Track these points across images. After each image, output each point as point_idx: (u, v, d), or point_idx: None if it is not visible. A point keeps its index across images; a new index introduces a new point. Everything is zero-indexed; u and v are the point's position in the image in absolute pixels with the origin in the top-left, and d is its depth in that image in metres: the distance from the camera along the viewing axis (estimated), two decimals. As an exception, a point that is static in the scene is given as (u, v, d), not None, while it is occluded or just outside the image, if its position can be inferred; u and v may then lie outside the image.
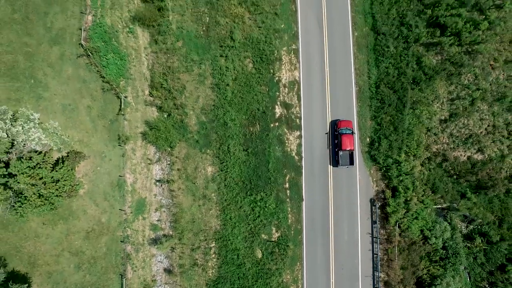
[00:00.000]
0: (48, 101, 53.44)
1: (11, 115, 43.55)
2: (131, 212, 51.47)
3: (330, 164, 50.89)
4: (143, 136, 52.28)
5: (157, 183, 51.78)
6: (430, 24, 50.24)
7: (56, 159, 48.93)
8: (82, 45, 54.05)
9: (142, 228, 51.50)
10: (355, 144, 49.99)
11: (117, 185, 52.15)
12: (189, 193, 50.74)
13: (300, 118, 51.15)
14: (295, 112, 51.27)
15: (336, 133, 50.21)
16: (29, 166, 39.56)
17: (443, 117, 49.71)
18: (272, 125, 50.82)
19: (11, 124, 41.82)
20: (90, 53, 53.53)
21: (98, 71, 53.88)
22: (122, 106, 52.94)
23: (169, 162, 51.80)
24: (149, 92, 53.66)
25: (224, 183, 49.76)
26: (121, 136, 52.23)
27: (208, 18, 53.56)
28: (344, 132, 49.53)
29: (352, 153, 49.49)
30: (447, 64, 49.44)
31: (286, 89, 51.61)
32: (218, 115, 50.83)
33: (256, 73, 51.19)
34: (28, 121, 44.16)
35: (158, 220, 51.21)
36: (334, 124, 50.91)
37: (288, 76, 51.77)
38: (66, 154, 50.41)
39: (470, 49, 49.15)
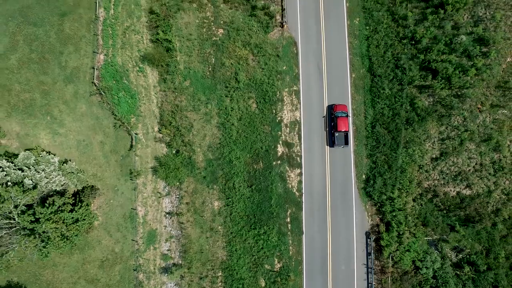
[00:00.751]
0: (64, 137, 57.89)
1: (34, 160, 47.78)
2: (143, 243, 56.04)
3: (327, 145, 55.96)
4: (153, 171, 56.60)
5: (167, 215, 56.27)
6: (422, 67, 54.54)
7: (72, 193, 53.21)
8: (94, 84, 58.15)
9: (153, 257, 56.06)
10: (349, 125, 55.39)
11: (129, 217, 56.70)
12: (197, 225, 55.26)
13: (300, 157, 55.63)
14: (296, 151, 55.71)
15: (332, 116, 55.49)
16: (52, 212, 43.87)
17: (434, 156, 54.12)
18: (274, 163, 55.31)
19: (35, 170, 46.08)
20: (102, 92, 57.66)
21: (110, 108, 58.18)
22: (133, 143, 57.16)
23: (178, 196, 56.25)
24: (159, 129, 57.98)
25: (230, 217, 54.38)
26: (133, 171, 56.67)
27: (214, 59, 57.75)
28: (340, 115, 55.02)
29: (347, 134, 54.85)
30: (438, 106, 53.82)
31: (288, 128, 55.99)
32: (224, 153, 55.26)
33: (259, 113, 55.62)
34: (49, 164, 48.46)
35: (168, 250, 55.74)
36: (331, 108, 55.73)
37: (289, 116, 56.13)
38: (81, 188, 54.75)
39: (459, 93, 53.51)
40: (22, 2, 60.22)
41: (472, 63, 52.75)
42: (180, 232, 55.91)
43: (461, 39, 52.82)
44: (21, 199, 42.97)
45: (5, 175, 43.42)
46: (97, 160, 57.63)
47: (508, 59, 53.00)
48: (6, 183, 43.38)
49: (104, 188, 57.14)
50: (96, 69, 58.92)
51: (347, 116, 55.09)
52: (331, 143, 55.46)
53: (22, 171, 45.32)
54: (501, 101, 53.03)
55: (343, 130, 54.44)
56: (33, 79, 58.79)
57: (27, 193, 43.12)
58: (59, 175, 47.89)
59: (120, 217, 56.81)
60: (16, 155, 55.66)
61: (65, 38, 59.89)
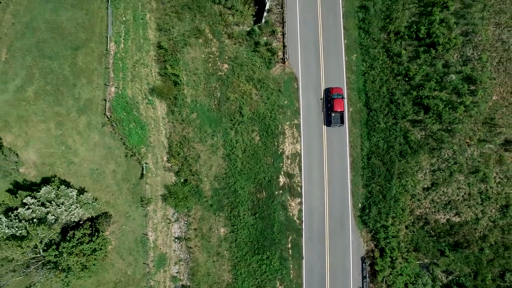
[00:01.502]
0: (78, 166, 63.11)
1: (54, 194, 52.88)
2: (154, 266, 61.46)
3: (324, 125, 61.88)
4: (163, 198, 61.78)
5: (176, 240, 61.65)
6: (415, 103, 59.66)
7: (86, 219, 58.12)
8: (106, 115, 63.11)
9: (163, 279, 61.49)
10: (345, 106, 61.33)
11: (141, 242, 62.04)
12: (204, 250, 60.65)
13: (301, 187, 60.92)
14: (296, 181, 60.95)
15: (328, 98, 61.57)
16: (73, 245, 49.08)
17: (426, 186, 59.41)
18: (276, 192, 60.59)
19: (56, 204, 51.23)
20: (114, 123, 62.64)
21: (121, 138, 63.32)
22: (144, 172, 62.26)
23: (186, 222, 61.59)
24: (167, 158, 63.12)
25: (235, 243, 59.82)
26: (144, 199, 61.93)
27: (219, 93, 62.78)
28: (336, 97, 60.99)
29: (343, 114, 60.90)
30: (429, 140, 59.06)
31: (289, 160, 61.21)
32: (229, 183, 60.52)
33: (262, 146, 60.81)
34: (68, 198, 53.58)
35: (177, 273, 61.20)
36: (328, 91, 61.64)
37: (290, 149, 61.33)
38: (95, 215, 59.82)
39: (449, 128, 58.72)
40: (38, 36, 65.14)
41: (461, 100, 57.79)
42: (188, 256, 61.23)
43: (451, 78, 57.86)
44: (46, 235, 48.18)
45: (31, 212, 48.58)
46: (109, 188, 62.82)
47: (494, 97, 58.13)
48: (32, 220, 48.56)
49: (117, 214, 62.41)
50: (108, 101, 63.94)
51: (342, 98, 60.97)
52: (328, 123, 61.28)
53: (45, 206, 50.42)
54: (487, 137, 58.18)
55: (339, 111, 60.31)
56: (48, 110, 63.83)
57: (52, 229, 48.36)
58: (77, 207, 53.02)
59: (132, 241, 62.11)
60: (34, 184, 61.06)
61: (78, 71, 64.85)
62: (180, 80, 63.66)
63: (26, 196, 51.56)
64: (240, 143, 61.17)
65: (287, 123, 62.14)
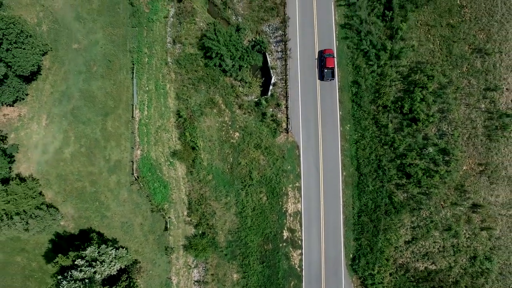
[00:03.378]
0: (110, 219, 77.70)
1: (97, 253, 67.40)
2: (176, 305, 76.45)
3: (317, 79, 77.96)
4: (184, 248, 76.44)
5: (196, 284, 76.61)
6: (399, 169, 73.89)
7: (123, 271, 72.78)
8: (134, 175, 77.25)
9: (185, 317, 76.63)
10: (334, 63, 76.94)
11: (166, 285, 77.01)
12: (219, 292, 75.74)
13: (301, 240, 75.71)
14: (298, 235, 75.67)
15: (321, 58, 77.74)
16: (116, 300, 64.33)
17: (407, 239, 74.24)
18: (281, 245, 75.40)
19: (100, 262, 65.74)
20: (141, 183, 76.90)
21: (147, 196, 77.67)
22: (168, 225, 76.82)
23: (204, 268, 76.53)
24: (188, 214, 77.61)
25: (246, 287, 74.37)
26: (168, 248, 76.54)
27: (231, 159, 76.98)
28: (327, 56, 76.88)
29: (333, 70, 76.93)
30: (410, 201, 73.58)
31: (291, 218, 75.78)
32: (241, 237, 75.31)
33: (269, 205, 75.40)
34: (108, 255, 68.09)
35: (196, 311, 76.24)
36: (321, 52, 78.16)
37: (292, 208, 75.87)
38: (127, 265, 74.44)
39: (427, 192, 73.10)
40: (73, 104, 79.23)
41: (437, 169, 72.07)
42: (206, 297, 76.34)
43: (429, 150, 72.17)
44: (98, 294, 63.33)
45: (83, 273, 63.16)
46: (137, 238, 77.61)
47: (464, 167, 72.49)
48: (84, 280, 63.20)
49: (144, 261, 77.36)
50: (135, 162, 78.17)
51: (333, 57, 76.65)
52: (321, 77, 77.31)
53: (92, 266, 64.98)
54: (458, 200, 72.81)
55: (330, 67, 76.55)
56: (83, 170, 78.19)
57: (101, 288, 63.50)
58: (116, 263, 67.62)
59: (158, 284, 77.19)
60: (73, 236, 75.60)
61: (108, 135, 79.01)
62: (198, 146, 77.88)
63: (75, 257, 66.17)
64: (250, 203, 75.74)
65: (290, 185, 76.63)
